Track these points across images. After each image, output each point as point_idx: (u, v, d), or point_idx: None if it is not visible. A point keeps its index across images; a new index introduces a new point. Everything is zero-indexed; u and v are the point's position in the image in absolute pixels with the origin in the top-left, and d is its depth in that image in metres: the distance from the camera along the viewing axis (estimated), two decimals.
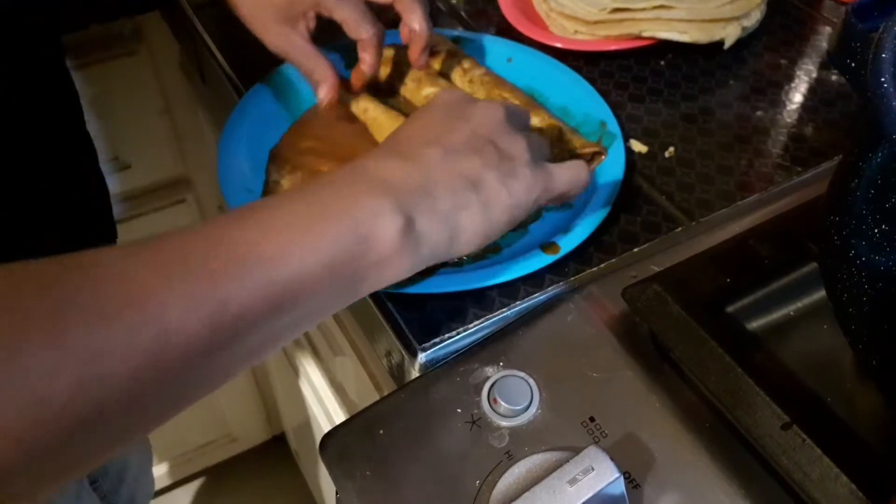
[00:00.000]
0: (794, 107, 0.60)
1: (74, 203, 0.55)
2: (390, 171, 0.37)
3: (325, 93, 0.54)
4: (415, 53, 0.57)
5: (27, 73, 0.49)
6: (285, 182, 0.53)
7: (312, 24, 0.55)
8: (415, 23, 0.56)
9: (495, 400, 0.41)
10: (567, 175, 0.44)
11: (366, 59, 0.56)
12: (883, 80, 0.31)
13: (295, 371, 0.92)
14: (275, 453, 1.40)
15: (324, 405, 0.84)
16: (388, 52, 0.61)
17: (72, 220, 0.54)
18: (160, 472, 1.33)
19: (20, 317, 0.25)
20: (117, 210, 0.62)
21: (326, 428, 0.63)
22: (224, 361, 0.30)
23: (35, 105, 0.50)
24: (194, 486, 1.42)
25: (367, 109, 0.56)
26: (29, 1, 0.48)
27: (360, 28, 0.54)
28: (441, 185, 0.38)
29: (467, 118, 0.41)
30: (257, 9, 0.54)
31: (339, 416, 0.77)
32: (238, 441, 1.37)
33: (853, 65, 0.40)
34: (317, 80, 0.54)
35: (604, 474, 0.33)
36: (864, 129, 0.35)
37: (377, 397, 0.43)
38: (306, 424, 1.01)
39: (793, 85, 0.62)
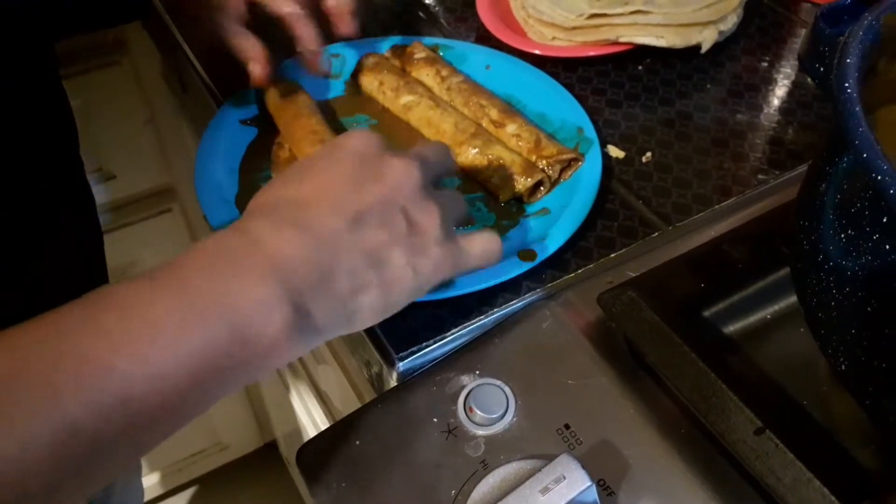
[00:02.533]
0: (771, 110, 0.60)
1: (62, 213, 0.55)
2: (284, 247, 0.32)
3: (258, 71, 0.54)
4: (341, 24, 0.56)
5: (20, 80, 0.49)
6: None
7: (243, 7, 0.55)
8: None
9: (471, 409, 0.41)
10: (478, 249, 0.41)
11: (300, 35, 0.55)
12: (846, 85, 0.31)
13: (283, 380, 0.92)
14: (267, 461, 1.39)
15: (311, 414, 0.84)
16: (372, 60, 0.61)
17: (58, 230, 0.54)
18: (151, 481, 1.33)
19: None
20: (102, 220, 0.62)
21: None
22: (77, 486, 0.27)
23: (28, 113, 0.50)
24: (186, 495, 1.42)
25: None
26: (14, 9, 0.48)
27: (281, 3, 0.54)
28: (342, 266, 0.33)
29: (379, 177, 0.36)
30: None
31: (327, 425, 0.77)
32: (229, 449, 1.36)
33: (822, 69, 0.40)
34: (248, 57, 0.54)
35: (575, 483, 0.33)
36: (831, 133, 0.35)
37: (360, 406, 0.43)
38: (297, 432, 1.00)
39: (770, 88, 0.62)
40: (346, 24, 0.56)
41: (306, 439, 0.41)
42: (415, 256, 0.36)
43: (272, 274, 0.30)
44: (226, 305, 0.29)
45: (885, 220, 0.29)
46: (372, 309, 0.35)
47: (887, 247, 0.29)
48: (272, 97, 0.57)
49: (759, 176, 0.54)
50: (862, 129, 0.29)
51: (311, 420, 0.83)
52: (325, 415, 0.77)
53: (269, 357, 0.31)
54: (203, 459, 1.35)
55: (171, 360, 0.27)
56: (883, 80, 0.38)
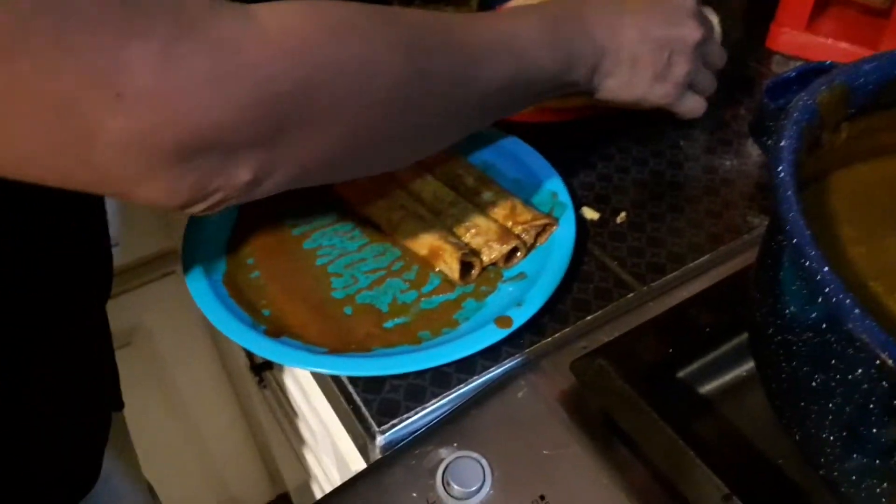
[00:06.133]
0: (744, 165, 0.61)
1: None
2: (597, 34, 0.51)
3: None
4: None
5: None
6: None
7: None
8: None
9: (449, 483, 0.42)
10: (687, 106, 0.58)
11: None
12: (780, 169, 0.33)
13: (287, 437, 0.93)
14: None
15: (320, 468, 0.85)
16: None
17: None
18: None
19: None
20: None
21: (327, 488, 0.64)
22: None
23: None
24: None
25: None
26: None
27: None
28: (620, 53, 0.52)
29: (678, 23, 0.53)
30: None
31: (336, 479, 0.78)
32: (241, 503, 1.37)
33: (769, 142, 0.42)
34: None
35: None
36: (771, 212, 0.36)
37: (352, 471, 0.44)
38: (307, 485, 1.01)
39: (742, 143, 0.63)
40: None
41: (317, 492, 0.42)
42: (655, 80, 0.54)
43: (592, 41, 0.51)
44: (568, 41, 0.49)
45: (819, 300, 0.30)
46: (617, 87, 0.54)
47: (824, 325, 0.30)
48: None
49: (732, 233, 0.56)
50: (793, 213, 0.30)
51: (321, 474, 0.84)
52: (332, 469, 0.78)
53: (570, 86, 0.52)
54: None
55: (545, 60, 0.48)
56: (829, 149, 0.40)
